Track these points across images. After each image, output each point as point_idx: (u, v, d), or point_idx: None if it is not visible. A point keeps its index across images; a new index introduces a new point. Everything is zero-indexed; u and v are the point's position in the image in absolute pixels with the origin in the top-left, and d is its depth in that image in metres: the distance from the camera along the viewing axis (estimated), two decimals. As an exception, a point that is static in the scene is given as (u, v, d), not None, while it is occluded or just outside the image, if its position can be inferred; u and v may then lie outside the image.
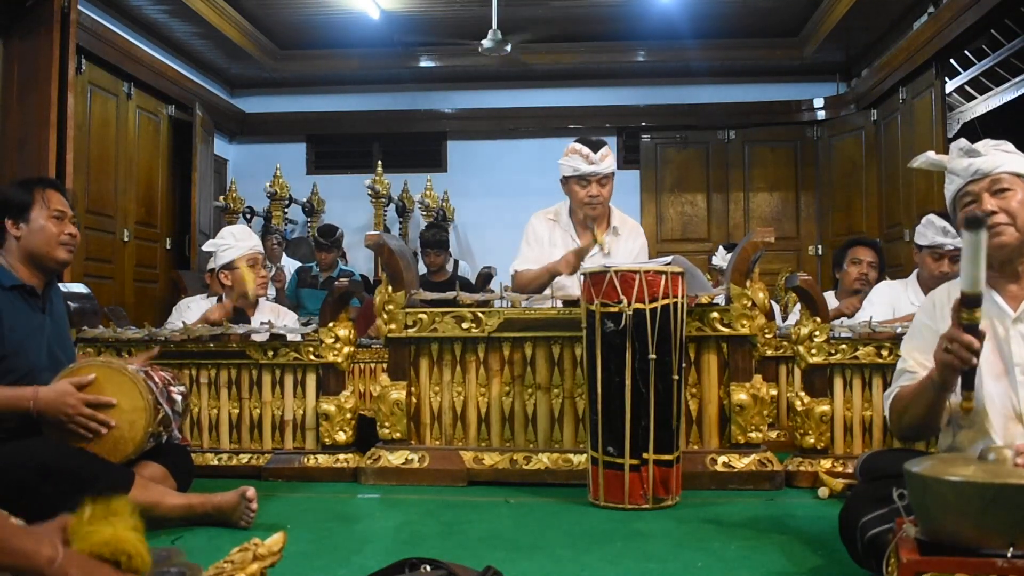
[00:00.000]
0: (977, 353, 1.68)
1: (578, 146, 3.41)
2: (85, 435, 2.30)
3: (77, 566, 1.39)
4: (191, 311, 3.93)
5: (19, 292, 2.45)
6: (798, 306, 4.36)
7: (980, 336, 1.67)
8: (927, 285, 3.57)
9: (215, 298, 3.85)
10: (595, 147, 3.40)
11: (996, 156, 1.93)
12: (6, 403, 2.27)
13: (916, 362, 2.00)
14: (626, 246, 3.47)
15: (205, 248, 4.44)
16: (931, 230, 3.58)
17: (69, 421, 2.28)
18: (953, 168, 1.97)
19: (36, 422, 2.32)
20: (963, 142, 1.99)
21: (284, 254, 7.27)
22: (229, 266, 3.71)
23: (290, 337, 3.31)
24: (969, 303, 1.64)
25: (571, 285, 3.32)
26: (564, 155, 3.44)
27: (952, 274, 3.51)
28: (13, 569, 1.36)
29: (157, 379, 2.51)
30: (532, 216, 3.60)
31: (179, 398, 2.58)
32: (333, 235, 6.42)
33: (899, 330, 3.07)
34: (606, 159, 3.39)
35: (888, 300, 3.55)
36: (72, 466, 2.19)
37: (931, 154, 2.05)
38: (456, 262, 6.93)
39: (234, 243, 3.70)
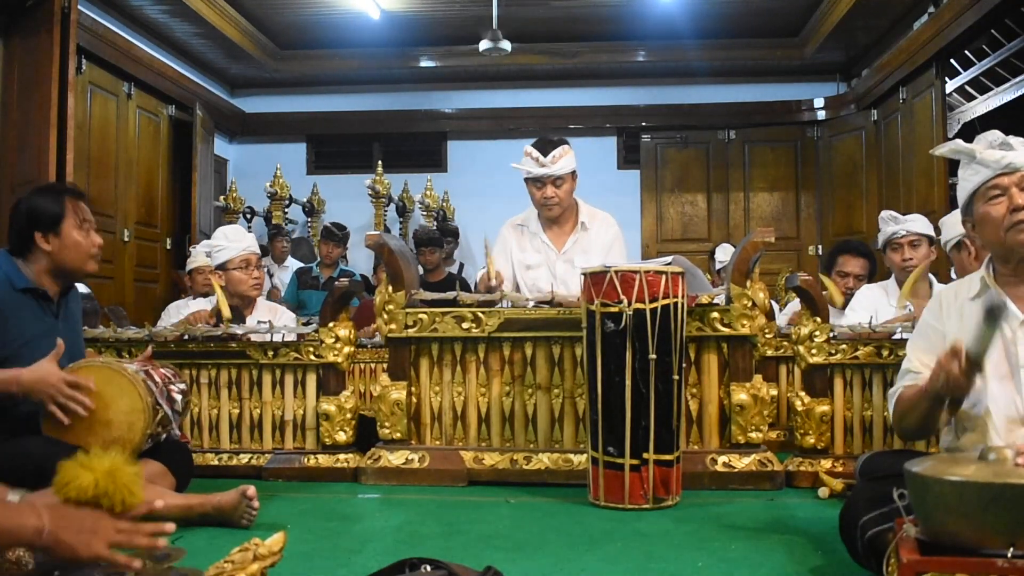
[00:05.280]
0: (970, 388, 1.75)
1: (529, 148, 3.39)
2: (63, 421, 2.28)
3: (65, 526, 1.37)
4: (189, 310, 3.94)
5: (31, 295, 2.44)
6: (791, 305, 4.39)
7: (977, 373, 1.72)
8: (900, 282, 3.61)
9: (201, 298, 3.84)
10: (546, 149, 3.36)
11: None
12: None
13: (920, 362, 2.00)
14: (598, 239, 3.46)
15: (199, 248, 4.45)
16: (884, 224, 3.66)
17: (51, 400, 2.26)
18: (983, 159, 1.92)
19: (36, 422, 2.32)
20: (995, 133, 1.95)
21: (290, 256, 7.30)
22: (223, 267, 3.71)
23: (287, 337, 3.31)
24: (973, 360, 1.65)
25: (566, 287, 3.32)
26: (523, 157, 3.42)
27: (915, 259, 3.54)
28: (4, 547, 1.35)
29: (158, 378, 2.50)
30: (504, 224, 3.61)
31: (179, 397, 2.57)
32: (344, 228, 6.62)
33: (899, 331, 3.07)
34: (560, 160, 3.34)
35: (870, 304, 3.56)
36: (72, 464, 2.18)
37: (959, 142, 2.00)
38: (461, 265, 6.95)
39: (227, 244, 3.70)
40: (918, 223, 3.61)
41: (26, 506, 1.40)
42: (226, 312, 3.33)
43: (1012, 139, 1.93)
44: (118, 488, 1.41)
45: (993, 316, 1.55)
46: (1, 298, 2.36)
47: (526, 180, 3.43)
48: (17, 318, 2.38)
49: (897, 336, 3.06)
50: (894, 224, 3.61)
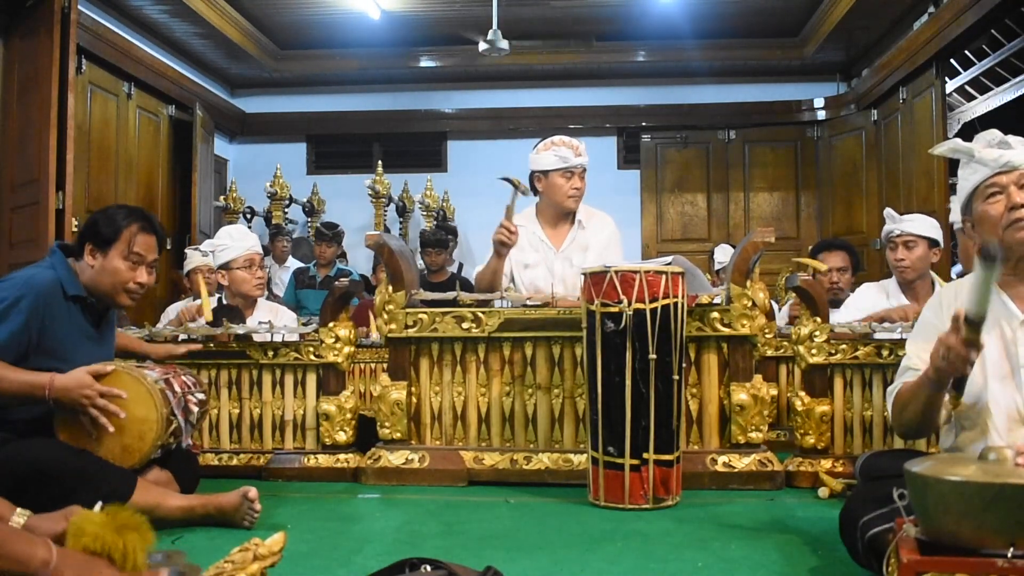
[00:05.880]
0: (971, 364, 1.71)
1: (565, 139, 3.45)
2: (91, 429, 2.29)
3: (72, 566, 1.39)
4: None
5: (80, 304, 2.44)
6: (788, 305, 4.39)
7: (978, 348, 1.69)
8: (898, 281, 3.61)
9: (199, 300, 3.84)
10: (577, 141, 3.46)
11: None
12: (23, 386, 2.24)
13: (920, 359, 1.99)
14: (596, 237, 3.47)
15: (203, 247, 4.45)
16: (887, 221, 3.63)
17: (83, 410, 2.26)
18: (981, 157, 1.92)
19: (45, 424, 2.32)
20: (994, 132, 1.95)
21: (291, 256, 7.31)
22: (226, 266, 3.71)
23: (287, 337, 3.31)
24: (973, 324, 1.63)
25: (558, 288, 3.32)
26: (543, 149, 3.43)
27: (907, 260, 3.53)
28: (7, 573, 1.36)
29: (178, 387, 2.48)
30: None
31: (196, 408, 2.56)
32: (336, 227, 6.55)
33: (899, 330, 3.07)
34: (585, 153, 3.46)
35: (867, 303, 3.55)
36: (76, 467, 2.19)
37: (958, 141, 2.01)
38: (460, 265, 6.95)
39: (231, 243, 3.70)
40: (916, 223, 3.56)
41: (38, 537, 1.42)
42: (207, 315, 3.34)
43: (1011, 138, 1.93)
44: (130, 547, 1.44)
45: (990, 258, 1.53)
46: (49, 304, 2.35)
47: (547, 173, 3.42)
48: (60, 325, 2.38)
49: (897, 336, 3.06)
50: (891, 223, 3.60)
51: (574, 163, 3.39)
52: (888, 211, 3.69)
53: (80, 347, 2.43)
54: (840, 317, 3.43)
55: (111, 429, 2.29)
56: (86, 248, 2.44)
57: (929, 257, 3.54)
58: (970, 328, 1.64)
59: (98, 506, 1.55)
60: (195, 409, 2.55)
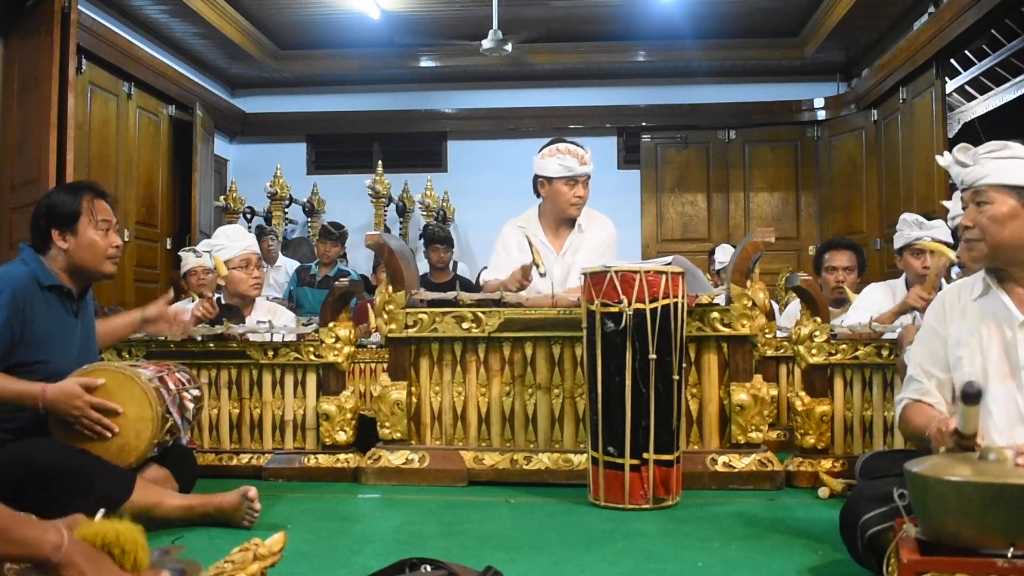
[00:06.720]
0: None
1: (571, 147, 3.43)
2: (90, 436, 2.29)
3: (81, 553, 1.40)
4: (185, 314, 3.93)
5: (56, 293, 2.44)
6: (791, 305, 4.38)
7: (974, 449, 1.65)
8: (913, 285, 3.56)
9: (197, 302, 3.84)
10: (582, 149, 3.44)
11: (983, 166, 1.91)
12: (15, 396, 2.25)
13: (923, 371, 2.01)
14: (590, 240, 3.46)
15: (200, 247, 4.44)
16: (906, 227, 3.55)
17: (75, 421, 2.27)
18: (953, 174, 1.98)
19: (43, 424, 2.32)
20: (959, 148, 1.97)
21: (282, 254, 7.27)
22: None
23: (287, 337, 3.31)
24: (965, 437, 1.62)
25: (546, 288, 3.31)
26: (548, 155, 3.41)
27: (934, 268, 3.50)
28: (19, 558, 1.36)
29: (172, 384, 2.48)
30: (504, 225, 3.61)
31: (191, 405, 2.55)
32: (341, 228, 6.53)
33: (899, 329, 3.06)
34: (590, 160, 3.45)
35: (873, 304, 3.52)
36: (74, 466, 2.18)
37: (947, 156, 2.04)
38: (455, 263, 6.94)
39: (228, 243, 3.71)
40: (943, 230, 3.44)
41: (49, 523, 1.43)
42: (223, 270, 3.45)
43: (971, 153, 1.96)
44: (134, 547, 1.45)
45: (972, 398, 1.54)
46: (28, 296, 2.35)
47: (551, 179, 3.41)
48: (41, 316, 2.38)
49: (896, 336, 3.05)
50: (918, 229, 3.49)
51: (578, 172, 3.38)
52: (913, 217, 3.56)
53: (62, 336, 2.43)
54: (849, 319, 3.40)
55: (108, 435, 2.29)
56: (53, 235, 2.43)
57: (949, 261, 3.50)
58: (963, 438, 1.62)
59: (100, 514, 1.56)
60: (190, 406, 2.55)
